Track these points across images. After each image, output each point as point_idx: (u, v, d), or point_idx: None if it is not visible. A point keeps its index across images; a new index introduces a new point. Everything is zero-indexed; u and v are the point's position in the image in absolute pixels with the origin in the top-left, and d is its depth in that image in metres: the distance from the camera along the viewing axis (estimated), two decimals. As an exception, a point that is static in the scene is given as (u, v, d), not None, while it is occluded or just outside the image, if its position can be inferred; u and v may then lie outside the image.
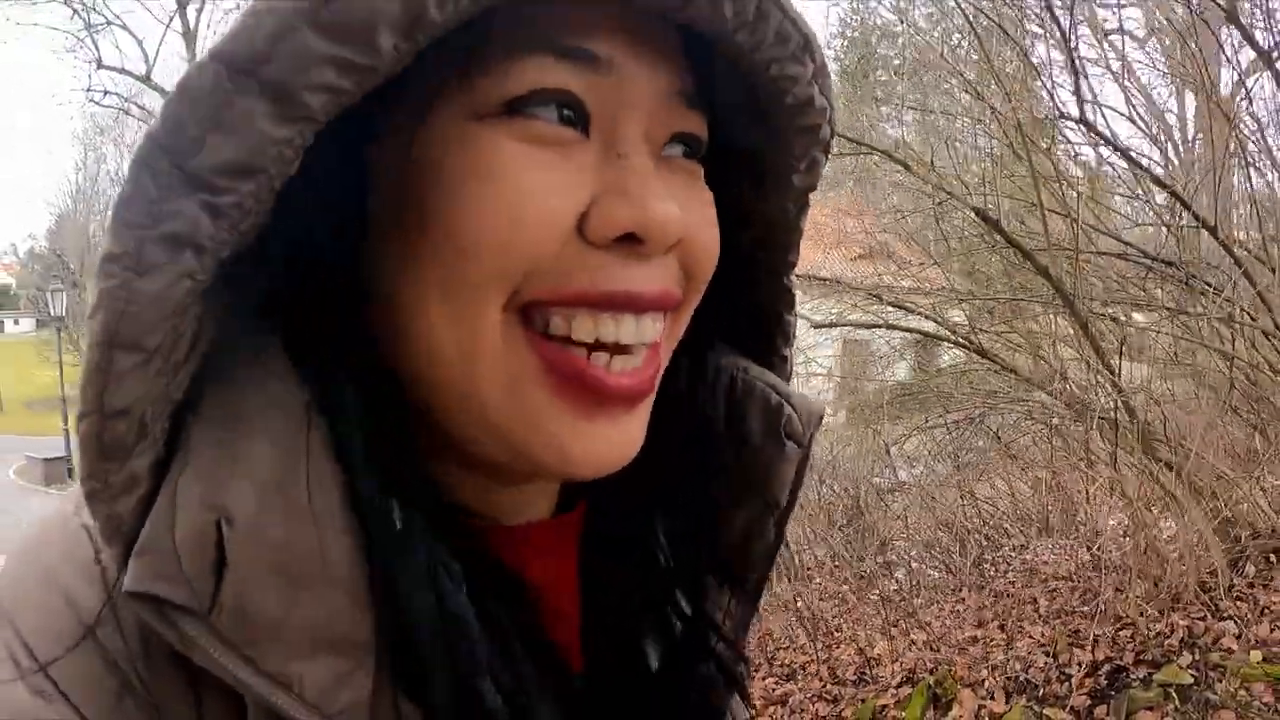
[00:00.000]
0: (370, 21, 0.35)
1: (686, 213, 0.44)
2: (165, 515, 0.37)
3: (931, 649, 3.86)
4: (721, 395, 0.54)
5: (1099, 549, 3.77)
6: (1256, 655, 2.93)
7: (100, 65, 16.91)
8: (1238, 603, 3.26)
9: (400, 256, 0.43)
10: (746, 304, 0.56)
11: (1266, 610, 3.15)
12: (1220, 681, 2.83)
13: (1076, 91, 4.08)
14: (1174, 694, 2.89)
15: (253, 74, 0.35)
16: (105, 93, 17.81)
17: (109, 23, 17.38)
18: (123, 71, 17.56)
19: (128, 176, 0.36)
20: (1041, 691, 3.26)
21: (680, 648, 0.53)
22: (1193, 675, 2.95)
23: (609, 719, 0.50)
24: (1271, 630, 3.05)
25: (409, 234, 0.42)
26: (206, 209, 0.35)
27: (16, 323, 60.61)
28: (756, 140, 0.50)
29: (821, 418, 0.55)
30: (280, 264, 0.43)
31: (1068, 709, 3.10)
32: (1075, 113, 4.13)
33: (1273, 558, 3.40)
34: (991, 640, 3.79)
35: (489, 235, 0.40)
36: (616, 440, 0.44)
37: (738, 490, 0.54)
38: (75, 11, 16.53)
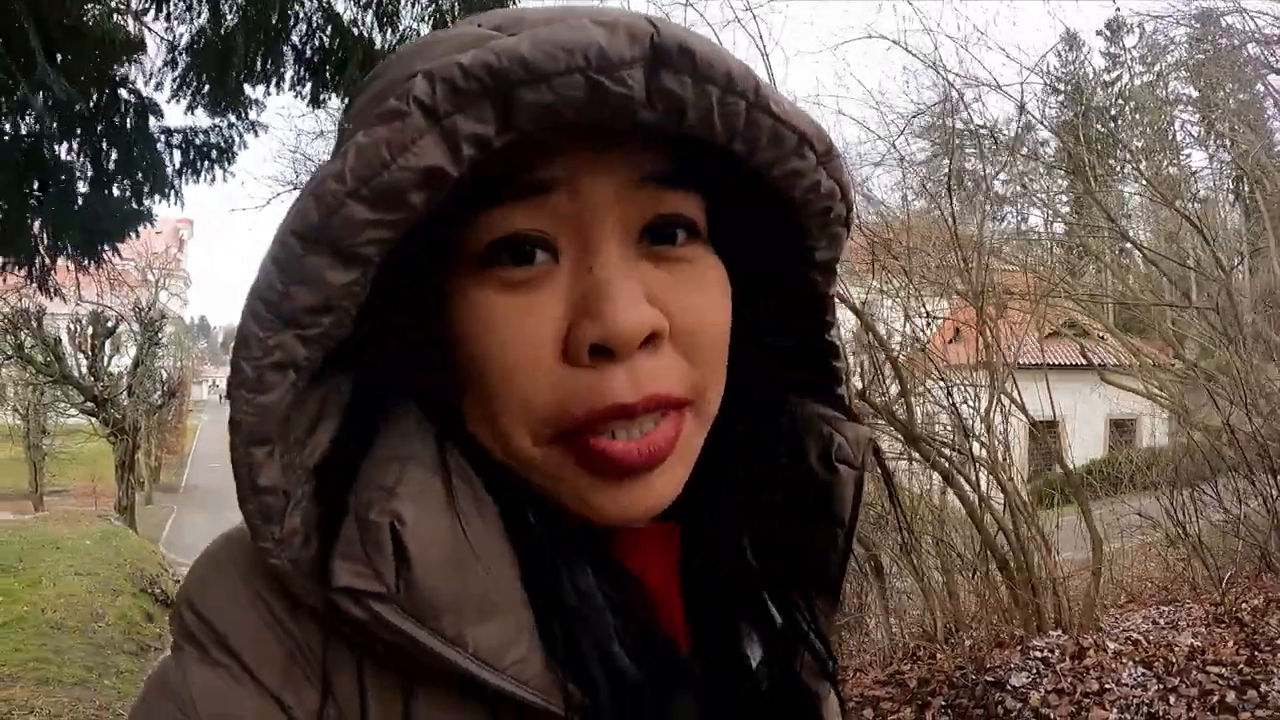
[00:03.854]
0: (400, 189, 0.43)
1: (670, 302, 0.48)
2: (352, 530, 0.46)
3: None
4: (783, 431, 0.58)
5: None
6: None
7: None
8: None
9: (458, 382, 0.51)
10: (799, 354, 0.59)
11: None
12: None
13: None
14: None
15: (317, 240, 0.43)
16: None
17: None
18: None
19: (240, 325, 0.45)
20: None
21: (778, 643, 0.57)
22: None
23: (715, 704, 0.54)
24: None
25: (456, 365, 0.50)
26: (299, 340, 0.45)
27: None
28: (771, 218, 0.52)
29: (871, 442, 0.59)
30: (413, 351, 0.52)
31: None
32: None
33: None
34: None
35: (492, 378, 0.48)
36: (640, 497, 0.49)
37: (809, 510, 0.58)
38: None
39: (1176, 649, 4.80)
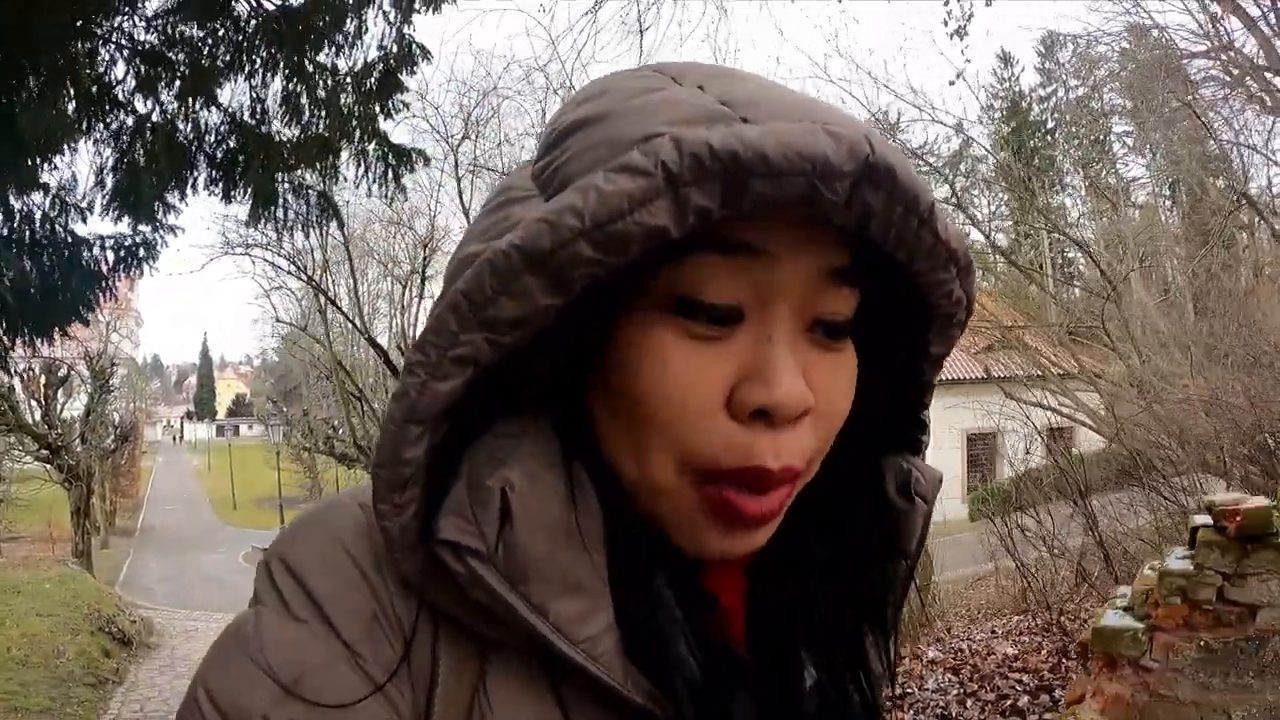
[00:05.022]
0: (628, 240, 0.46)
1: (817, 386, 0.52)
2: (463, 491, 0.50)
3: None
4: (865, 467, 0.61)
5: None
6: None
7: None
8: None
9: (604, 398, 0.53)
10: (891, 425, 0.63)
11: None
12: None
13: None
14: None
15: (540, 264, 0.46)
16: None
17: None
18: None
19: (438, 313, 0.49)
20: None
21: (832, 670, 0.60)
22: None
23: (772, 714, 0.56)
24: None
25: (611, 393, 0.53)
26: (488, 343, 0.48)
27: (250, 428, 65.37)
28: (903, 314, 0.57)
29: (941, 481, 0.63)
30: (565, 366, 0.53)
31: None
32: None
33: None
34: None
35: (656, 414, 0.50)
36: (742, 546, 0.53)
37: (876, 545, 0.61)
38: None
39: (991, 658, 5.36)
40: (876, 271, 0.53)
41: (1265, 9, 11.93)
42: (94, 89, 4.95)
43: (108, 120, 5.00)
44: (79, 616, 10.12)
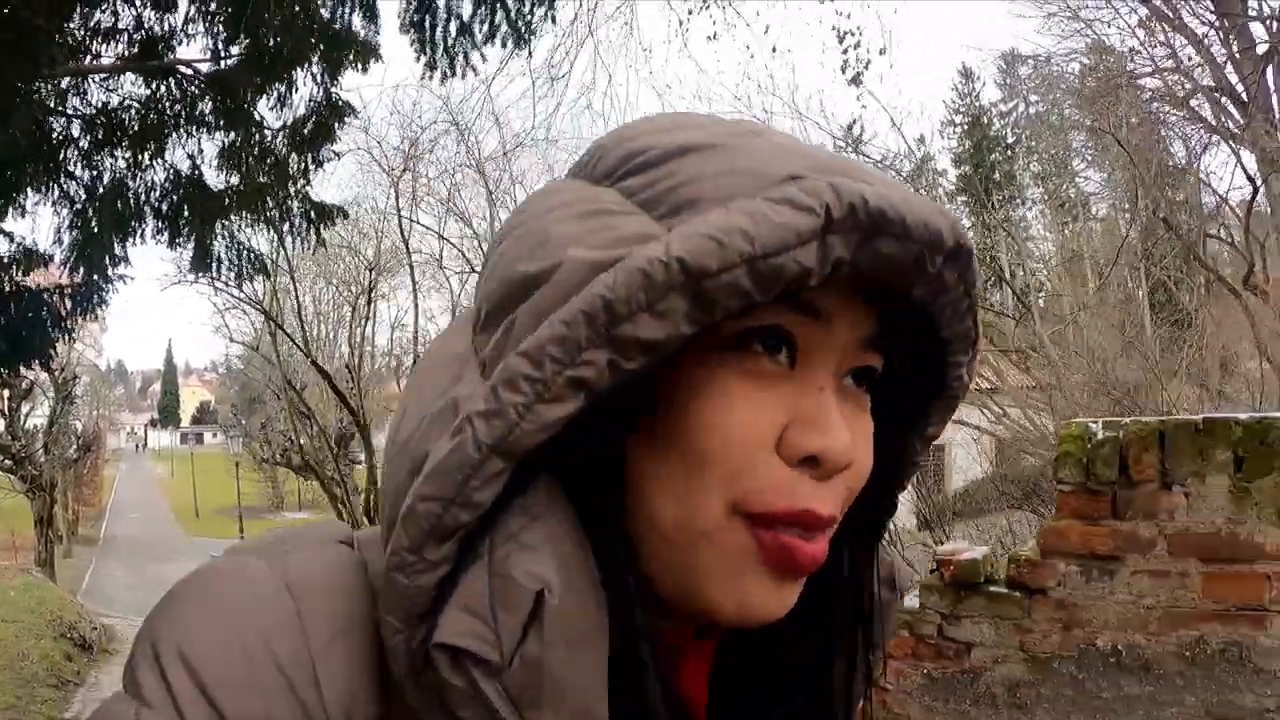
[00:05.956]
0: (781, 277, 0.42)
1: (854, 441, 0.49)
2: (481, 580, 0.41)
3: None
4: (855, 553, 0.58)
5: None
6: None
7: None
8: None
9: (649, 441, 0.47)
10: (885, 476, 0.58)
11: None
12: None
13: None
14: None
15: (694, 284, 0.41)
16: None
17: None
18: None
19: (568, 318, 0.42)
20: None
21: None
22: None
23: None
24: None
25: (658, 434, 0.47)
26: (611, 366, 0.42)
27: (215, 435, 64.57)
28: (909, 393, 0.56)
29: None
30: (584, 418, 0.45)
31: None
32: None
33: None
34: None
35: (715, 452, 0.46)
36: (787, 600, 0.49)
37: (848, 634, 0.58)
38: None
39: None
40: (893, 350, 0.53)
41: (1211, 27, 12.50)
42: (47, 151, 5.63)
43: (63, 185, 5.71)
44: (42, 623, 10.65)
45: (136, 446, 70.96)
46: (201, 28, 5.74)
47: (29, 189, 5.60)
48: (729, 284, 0.42)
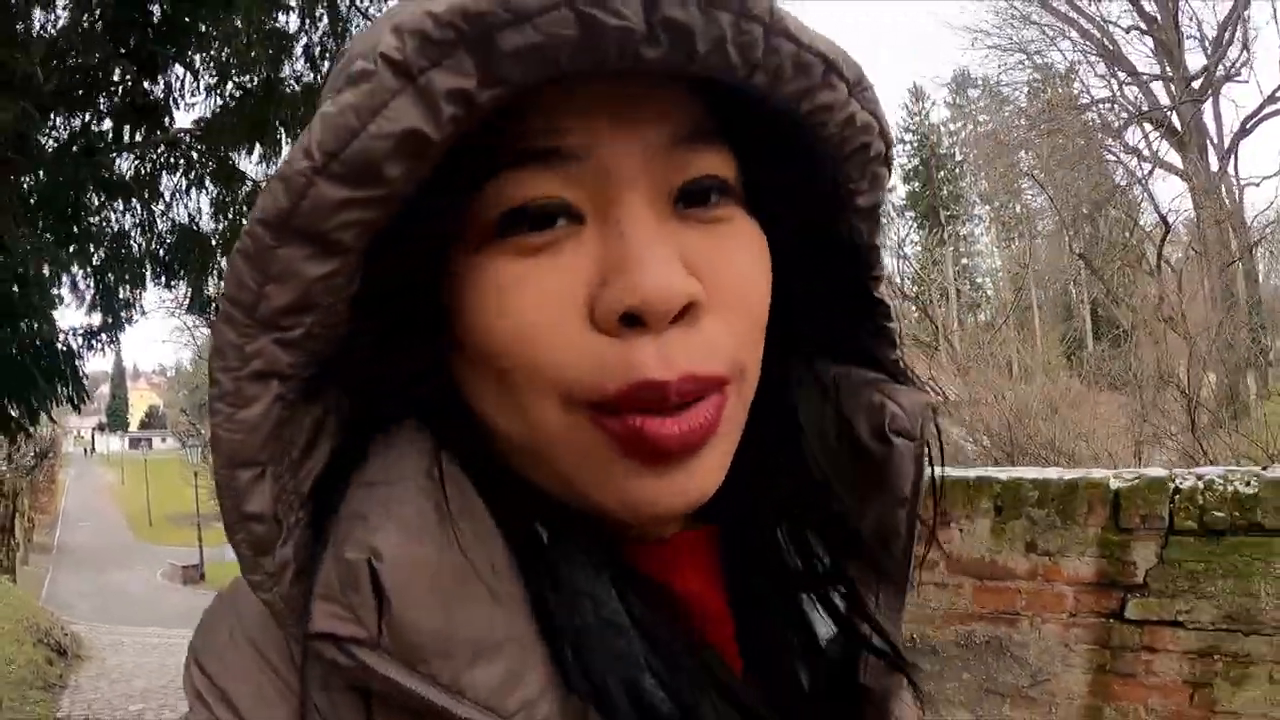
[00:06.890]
0: (375, 159, 0.36)
1: (705, 269, 0.42)
2: (330, 568, 0.40)
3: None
4: (830, 402, 0.52)
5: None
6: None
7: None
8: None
9: (464, 361, 0.44)
10: (845, 322, 0.53)
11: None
12: None
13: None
14: None
15: (288, 228, 0.37)
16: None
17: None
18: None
19: (214, 333, 0.40)
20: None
21: (835, 641, 0.51)
22: None
23: (774, 716, 0.47)
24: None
25: (465, 345, 0.44)
26: (280, 345, 0.39)
27: (164, 440, 62.62)
28: (807, 166, 0.46)
29: (929, 406, 0.52)
30: (420, 356, 0.45)
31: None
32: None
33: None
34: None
35: (512, 349, 0.41)
36: (682, 486, 0.43)
37: (863, 489, 0.51)
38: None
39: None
40: (752, 128, 0.44)
41: (1152, 56, 13.22)
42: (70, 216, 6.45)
43: (84, 247, 6.53)
44: (20, 629, 11.05)
45: (85, 451, 69.36)
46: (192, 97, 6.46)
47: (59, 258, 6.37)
48: (317, 207, 0.37)
